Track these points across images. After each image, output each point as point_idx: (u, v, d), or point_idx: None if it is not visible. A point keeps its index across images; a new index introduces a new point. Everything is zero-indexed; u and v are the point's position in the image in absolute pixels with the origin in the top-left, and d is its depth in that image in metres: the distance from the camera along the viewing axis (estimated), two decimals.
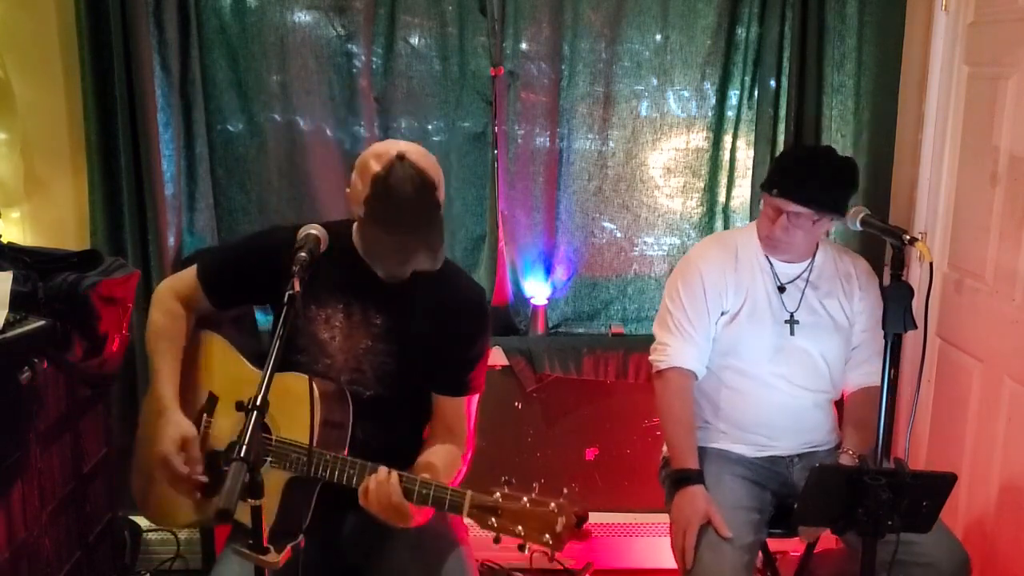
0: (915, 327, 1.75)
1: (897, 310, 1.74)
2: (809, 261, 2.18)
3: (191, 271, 1.93)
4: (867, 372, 2.18)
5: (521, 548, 1.46)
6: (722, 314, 2.16)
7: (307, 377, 1.65)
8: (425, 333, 1.82)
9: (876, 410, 2.09)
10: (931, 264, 1.82)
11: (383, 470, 1.61)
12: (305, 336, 1.82)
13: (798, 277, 2.17)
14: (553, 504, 1.44)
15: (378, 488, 1.58)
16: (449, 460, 1.80)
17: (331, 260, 1.74)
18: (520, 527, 1.44)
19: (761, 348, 2.14)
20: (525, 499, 1.45)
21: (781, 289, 2.15)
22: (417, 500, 1.58)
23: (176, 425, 1.77)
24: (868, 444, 2.09)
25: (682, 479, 2.03)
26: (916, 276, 2.57)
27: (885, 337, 1.74)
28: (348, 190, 1.76)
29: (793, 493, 2.14)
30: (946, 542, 1.91)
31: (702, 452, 2.15)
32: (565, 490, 1.46)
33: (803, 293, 2.16)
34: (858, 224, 1.98)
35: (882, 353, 2.11)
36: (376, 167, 1.67)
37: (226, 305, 1.95)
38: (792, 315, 2.14)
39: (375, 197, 1.67)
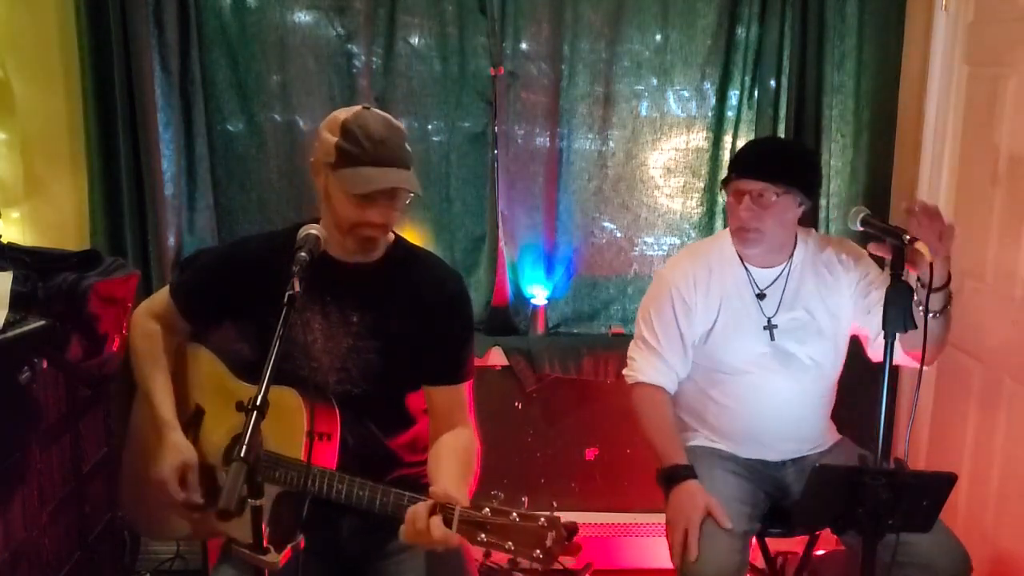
0: (915, 327, 1.75)
1: (897, 310, 1.73)
2: (787, 263, 2.14)
3: (164, 293, 1.93)
4: None
5: (512, 563, 1.43)
6: (699, 330, 2.14)
7: (295, 391, 1.65)
8: (404, 323, 1.80)
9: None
10: (931, 264, 1.81)
11: (408, 521, 1.51)
12: (288, 342, 1.79)
13: (776, 280, 2.13)
14: (543, 518, 1.39)
15: (416, 531, 1.50)
16: (459, 463, 1.72)
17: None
18: (510, 542, 1.40)
19: (744, 358, 2.11)
20: (514, 514, 1.41)
21: (760, 296, 2.12)
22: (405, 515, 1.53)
23: (176, 450, 1.76)
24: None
25: (674, 476, 2.01)
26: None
27: (885, 337, 1.74)
28: (311, 159, 1.74)
29: (787, 495, 2.13)
30: (946, 543, 1.90)
31: (692, 450, 2.14)
32: (555, 503, 1.44)
33: (782, 297, 2.12)
34: (858, 224, 1.97)
35: None
36: (343, 115, 1.68)
37: (203, 326, 1.94)
38: (770, 320, 2.11)
39: (347, 137, 1.65)
